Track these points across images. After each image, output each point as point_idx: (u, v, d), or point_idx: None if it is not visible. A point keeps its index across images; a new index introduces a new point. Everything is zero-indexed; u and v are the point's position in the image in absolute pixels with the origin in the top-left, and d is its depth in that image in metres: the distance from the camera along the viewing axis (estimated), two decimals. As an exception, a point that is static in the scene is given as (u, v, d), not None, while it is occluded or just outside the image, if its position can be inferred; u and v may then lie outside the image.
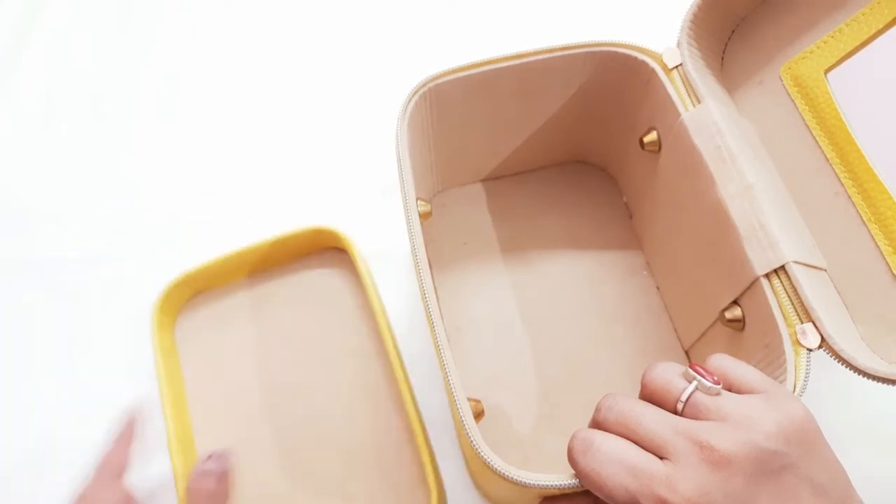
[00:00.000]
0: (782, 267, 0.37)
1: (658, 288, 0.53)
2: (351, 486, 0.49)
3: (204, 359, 0.54)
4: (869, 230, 0.39)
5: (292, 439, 0.51)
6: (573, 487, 0.33)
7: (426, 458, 0.46)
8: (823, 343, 0.36)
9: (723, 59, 0.47)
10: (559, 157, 0.58)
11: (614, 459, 0.30)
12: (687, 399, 0.30)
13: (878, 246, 0.38)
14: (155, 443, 0.51)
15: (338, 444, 0.50)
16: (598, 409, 0.33)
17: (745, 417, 0.28)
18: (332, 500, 0.48)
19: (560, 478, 0.33)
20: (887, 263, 0.38)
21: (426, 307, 0.38)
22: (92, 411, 0.53)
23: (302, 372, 0.53)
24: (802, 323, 0.36)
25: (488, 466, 0.34)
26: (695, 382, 0.30)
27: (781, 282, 0.38)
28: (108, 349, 0.55)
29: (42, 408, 0.54)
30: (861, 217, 0.39)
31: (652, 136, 0.47)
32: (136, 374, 0.54)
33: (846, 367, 0.35)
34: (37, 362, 0.55)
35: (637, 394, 0.33)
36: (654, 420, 0.30)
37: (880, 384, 0.34)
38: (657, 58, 0.45)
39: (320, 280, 0.56)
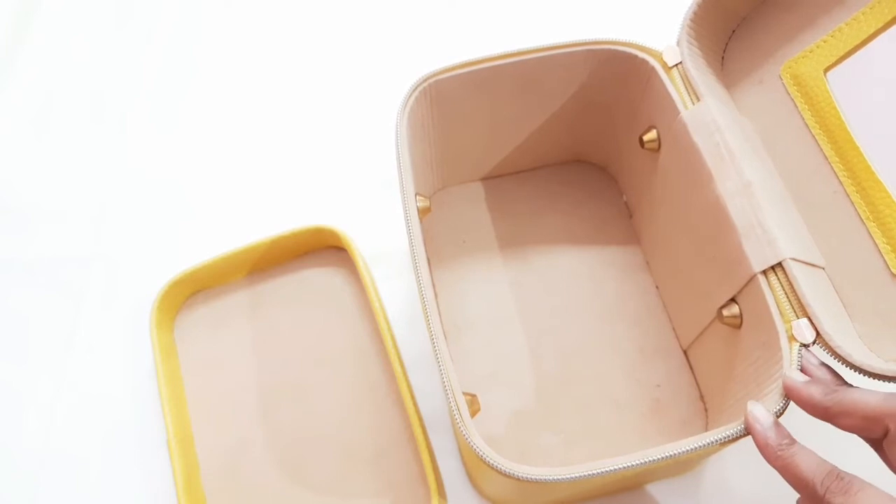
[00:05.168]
0: (780, 264, 0.38)
1: (657, 287, 0.53)
2: (351, 486, 0.49)
3: (203, 358, 0.54)
4: (867, 229, 0.39)
5: (292, 439, 0.50)
6: (568, 481, 0.33)
7: (426, 458, 0.46)
8: (819, 339, 0.36)
9: (723, 57, 0.47)
10: (559, 155, 0.58)
11: None
12: None
13: (876, 245, 0.38)
14: (155, 442, 0.51)
15: (338, 443, 0.50)
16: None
17: None
18: (332, 500, 0.48)
19: (552, 472, 0.33)
20: (885, 262, 0.38)
21: (422, 300, 0.38)
22: (91, 411, 0.53)
23: (302, 371, 0.53)
24: (798, 319, 0.36)
25: (481, 459, 0.34)
26: None
27: (779, 279, 0.38)
28: (106, 348, 0.56)
29: (41, 407, 0.54)
30: (860, 216, 0.39)
31: (652, 135, 0.47)
32: (136, 373, 0.54)
33: (843, 364, 0.35)
34: (36, 362, 0.55)
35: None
36: None
37: (878, 381, 0.34)
38: (657, 56, 0.45)
39: (320, 279, 0.56)
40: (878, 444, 0.32)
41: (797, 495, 0.33)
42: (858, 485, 0.30)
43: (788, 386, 0.34)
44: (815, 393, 0.33)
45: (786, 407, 0.35)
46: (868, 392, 0.32)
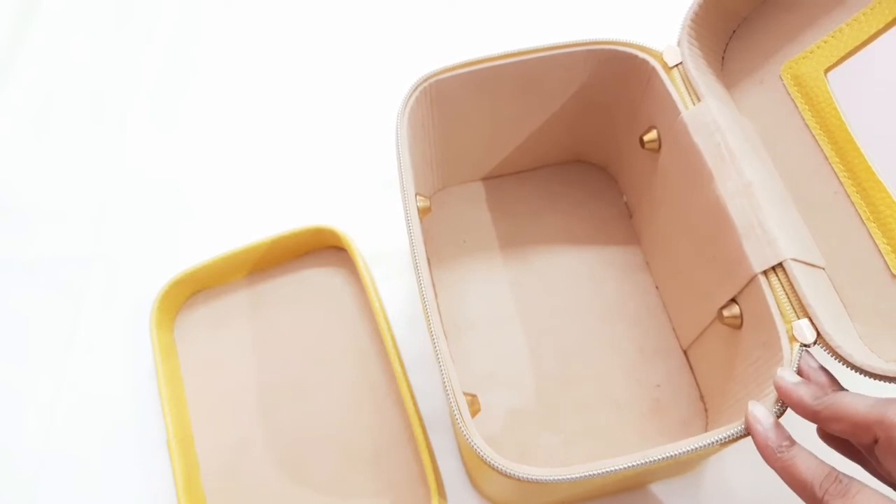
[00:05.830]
0: (780, 264, 0.38)
1: (657, 287, 0.53)
2: (351, 485, 0.49)
3: (203, 358, 0.54)
4: (868, 229, 0.39)
5: (292, 439, 0.50)
6: (568, 481, 0.33)
7: (426, 457, 0.46)
8: (820, 339, 0.36)
9: (723, 58, 0.47)
10: (560, 155, 0.58)
11: None
12: None
13: (876, 245, 0.38)
14: (155, 442, 0.51)
15: (338, 443, 0.50)
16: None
17: None
18: (332, 499, 0.48)
19: (553, 472, 0.33)
20: (885, 262, 0.38)
21: (422, 299, 0.38)
22: (91, 411, 0.53)
23: (302, 371, 0.53)
24: (799, 319, 0.36)
25: (481, 459, 0.34)
26: None
27: (779, 279, 0.38)
28: (106, 348, 0.55)
29: (41, 407, 0.54)
30: (860, 216, 0.39)
31: (652, 135, 0.47)
32: (136, 373, 0.54)
33: (843, 364, 0.35)
34: (36, 362, 0.55)
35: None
36: None
37: (878, 382, 0.34)
38: (657, 56, 0.45)
39: (320, 279, 0.56)
40: (869, 450, 0.32)
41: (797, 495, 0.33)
42: (857, 487, 0.30)
43: (779, 387, 0.34)
44: (806, 396, 0.33)
45: (786, 407, 0.35)
46: (859, 397, 0.32)
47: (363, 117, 0.64)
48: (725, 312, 0.41)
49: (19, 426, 0.53)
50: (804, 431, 0.35)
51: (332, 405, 0.51)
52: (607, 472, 0.34)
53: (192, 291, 0.55)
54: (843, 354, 0.35)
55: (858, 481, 0.30)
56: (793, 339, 0.36)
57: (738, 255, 0.39)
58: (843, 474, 0.31)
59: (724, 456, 0.48)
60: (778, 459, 0.32)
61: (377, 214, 0.57)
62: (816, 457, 0.32)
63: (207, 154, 0.64)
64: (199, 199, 0.62)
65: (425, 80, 0.45)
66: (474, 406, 0.39)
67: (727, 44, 0.46)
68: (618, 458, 0.34)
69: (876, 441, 0.31)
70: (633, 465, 0.34)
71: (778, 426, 0.33)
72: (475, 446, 0.34)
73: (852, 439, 0.33)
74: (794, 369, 0.35)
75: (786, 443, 0.33)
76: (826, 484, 0.30)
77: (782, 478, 0.32)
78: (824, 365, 0.36)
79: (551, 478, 0.33)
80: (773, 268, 0.38)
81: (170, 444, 0.48)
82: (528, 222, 0.56)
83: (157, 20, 0.72)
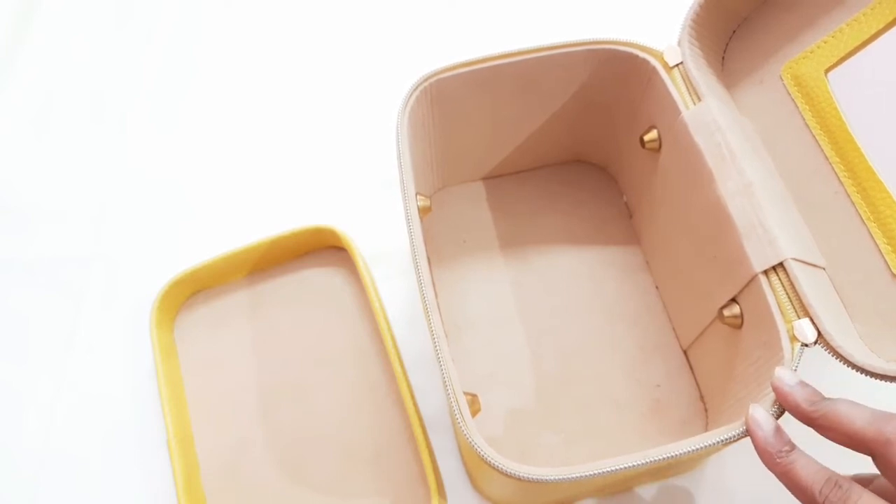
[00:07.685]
0: (781, 264, 0.38)
1: (657, 287, 0.53)
2: (351, 485, 0.49)
3: (203, 358, 0.54)
4: (868, 229, 0.39)
5: (292, 439, 0.50)
6: (569, 481, 0.33)
7: (426, 457, 0.45)
8: (821, 339, 0.36)
9: (724, 57, 0.47)
10: (560, 155, 0.58)
11: None
12: None
13: (877, 245, 0.38)
14: (155, 442, 0.51)
15: (338, 443, 0.50)
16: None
17: None
18: (332, 500, 0.48)
19: (554, 472, 0.33)
20: (886, 262, 0.38)
21: (423, 299, 0.38)
22: (91, 411, 0.53)
23: (302, 371, 0.53)
24: (800, 319, 0.36)
25: (482, 459, 0.34)
26: None
27: (780, 279, 0.38)
28: (106, 348, 0.55)
29: (41, 407, 0.54)
30: (860, 216, 0.39)
31: (652, 135, 0.47)
32: (136, 373, 0.54)
33: (844, 363, 0.35)
34: (36, 362, 0.55)
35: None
36: None
37: (879, 381, 0.34)
38: (658, 56, 0.45)
39: (320, 279, 0.56)
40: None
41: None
42: (857, 493, 0.30)
43: (776, 388, 0.34)
44: (801, 400, 0.33)
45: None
46: (857, 408, 0.32)
47: (363, 117, 0.64)
48: (726, 312, 0.41)
49: (19, 426, 0.53)
50: (805, 431, 0.35)
51: (332, 405, 0.51)
52: (608, 471, 0.34)
53: (192, 291, 0.55)
54: (843, 354, 0.35)
55: (859, 486, 0.30)
56: (793, 338, 0.36)
57: (738, 255, 0.39)
58: (844, 479, 0.31)
59: (724, 456, 0.48)
60: (777, 464, 0.32)
61: (377, 214, 0.57)
62: (816, 461, 0.32)
63: (207, 154, 0.64)
64: (199, 199, 0.62)
65: (426, 80, 0.45)
66: (475, 406, 0.39)
67: (727, 44, 0.46)
68: (618, 458, 0.34)
69: (873, 456, 0.31)
70: (634, 465, 0.34)
71: (778, 430, 0.33)
72: (476, 446, 0.34)
73: (848, 448, 0.33)
74: (795, 369, 0.35)
75: (786, 447, 0.33)
76: (826, 490, 0.30)
77: (782, 482, 0.32)
78: (825, 365, 0.36)
79: (552, 477, 0.33)
80: (774, 267, 0.38)
81: (170, 444, 0.48)
82: (528, 222, 0.56)
83: (157, 20, 0.72)
